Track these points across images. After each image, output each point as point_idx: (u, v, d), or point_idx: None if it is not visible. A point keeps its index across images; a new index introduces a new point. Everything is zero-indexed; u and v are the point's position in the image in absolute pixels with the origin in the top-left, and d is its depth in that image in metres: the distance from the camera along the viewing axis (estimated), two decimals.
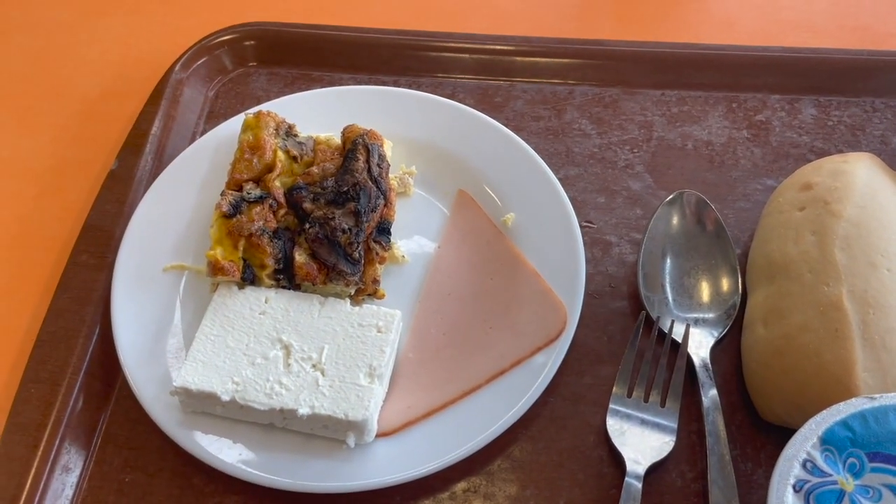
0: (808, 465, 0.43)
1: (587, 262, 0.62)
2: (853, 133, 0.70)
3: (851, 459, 0.43)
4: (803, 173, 0.60)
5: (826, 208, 0.56)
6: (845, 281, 0.52)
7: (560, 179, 0.64)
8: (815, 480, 0.43)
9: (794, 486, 0.43)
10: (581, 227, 0.63)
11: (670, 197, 0.62)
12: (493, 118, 0.68)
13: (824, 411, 0.45)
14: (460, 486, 0.53)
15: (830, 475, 0.43)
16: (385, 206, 0.61)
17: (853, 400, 0.45)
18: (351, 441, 0.51)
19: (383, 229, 0.60)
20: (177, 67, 0.73)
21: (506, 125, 0.68)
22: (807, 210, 0.57)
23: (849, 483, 0.43)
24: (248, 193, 0.59)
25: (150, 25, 0.81)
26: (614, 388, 0.56)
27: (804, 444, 0.44)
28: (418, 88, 0.73)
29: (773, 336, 0.53)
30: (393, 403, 0.55)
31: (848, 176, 0.57)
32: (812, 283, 0.53)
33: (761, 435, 0.54)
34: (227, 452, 0.52)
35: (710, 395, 0.55)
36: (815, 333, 0.51)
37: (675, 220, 0.61)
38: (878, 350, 0.50)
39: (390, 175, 0.64)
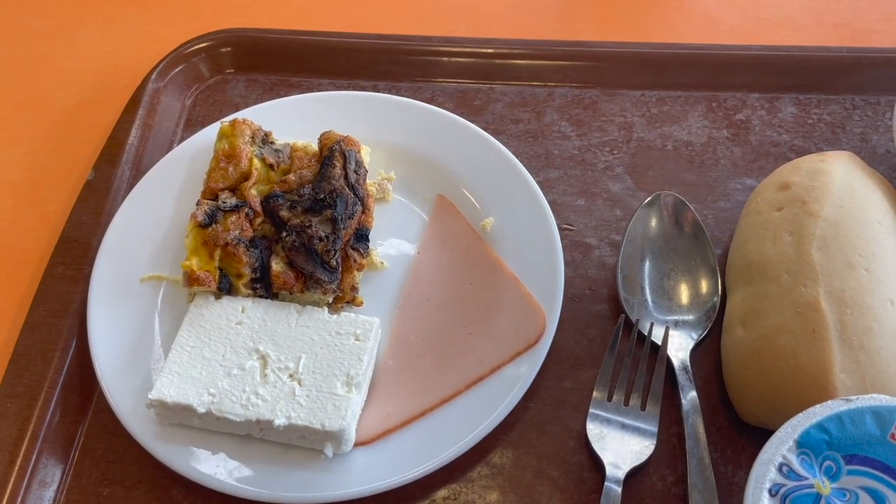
0: (784, 469, 0.43)
1: (567, 264, 0.62)
2: (833, 131, 0.70)
3: (828, 462, 0.43)
4: (781, 173, 0.60)
5: (803, 208, 0.55)
6: (822, 281, 0.52)
7: (540, 182, 0.64)
8: (792, 484, 0.43)
9: (769, 491, 0.42)
10: (561, 229, 0.63)
11: (648, 199, 0.62)
12: (473, 122, 0.68)
13: (800, 414, 0.45)
14: (440, 493, 0.53)
15: (807, 479, 0.43)
16: (363, 212, 0.60)
17: (829, 402, 0.45)
18: (329, 451, 0.51)
19: (361, 236, 0.60)
20: (153, 76, 0.73)
21: (485, 128, 0.68)
22: (784, 210, 0.56)
23: (825, 486, 0.43)
24: (224, 202, 0.58)
25: (128, 34, 0.81)
26: (594, 393, 0.55)
27: (780, 447, 0.44)
28: (397, 93, 0.72)
29: (752, 337, 0.53)
30: (372, 411, 0.54)
31: (826, 175, 0.57)
32: (789, 284, 0.53)
33: (742, 437, 0.54)
34: (204, 464, 0.51)
35: (689, 397, 0.54)
36: (792, 335, 0.51)
37: (653, 223, 0.61)
38: (855, 350, 0.50)
39: (369, 181, 0.64)
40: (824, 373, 0.49)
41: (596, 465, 0.53)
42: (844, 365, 0.49)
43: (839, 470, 0.43)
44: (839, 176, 0.57)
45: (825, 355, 0.49)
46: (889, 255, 0.54)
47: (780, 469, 0.43)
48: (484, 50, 0.75)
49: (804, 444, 0.44)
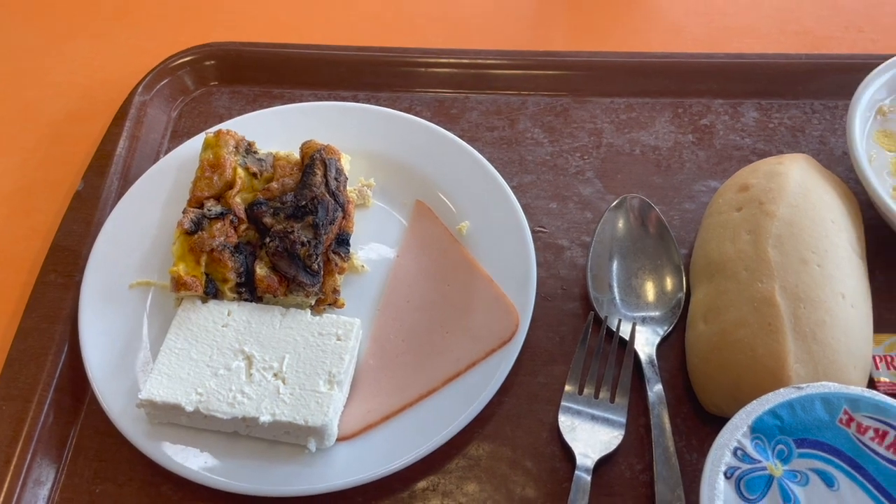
0: (739, 453, 0.46)
1: (540, 265, 0.65)
2: (793, 134, 0.73)
3: (780, 446, 0.46)
4: (741, 175, 0.63)
5: (761, 208, 0.58)
6: (777, 277, 0.55)
7: (514, 187, 0.67)
8: (746, 467, 0.45)
9: (725, 473, 0.45)
10: (534, 232, 0.66)
11: (615, 202, 0.65)
12: (449, 130, 0.70)
13: (754, 402, 0.48)
14: (420, 485, 0.56)
15: (760, 462, 0.46)
16: (343, 218, 0.63)
17: (781, 390, 0.48)
18: (312, 446, 0.53)
19: (342, 241, 0.63)
20: (140, 89, 0.75)
21: (461, 136, 0.71)
22: (743, 210, 0.60)
23: (777, 468, 0.45)
24: (209, 210, 0.61)
25: (115, 48, 0.83)
26: (566, 386, 0.58)
27: (735, 433, 0.46)
28: (376, 103, 0.75)
29: (712, 332, 0.56)
30: (353, 408, 0.57)
31: (782, 177, 0.60)
32: (747, 280, 0.56)
33: (706, 427, 0.57)
34: (193, 461, 0.54)
35: (655, 389, 0.57)
36: (749, 328, 0.54)
37: (620, 224, 0.64)
38: (808, 342, 0.53)
39: (349, 188, 0.66)
40: (779, 364, 0.52)
41: (567, 455, 0.56)
42: (798, 356, 0.52)
43: (790, 453, 0.46)
44: (795, 177, 0.60)
45: (780, 347, 0.52)
46: (841, 252, 0.57)
47: (734, 453, 0.46)
48: (460, 60, 0.78)
49: (758, 430, 0.47)
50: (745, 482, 0.45)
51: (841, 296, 0.54)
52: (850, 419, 0.47)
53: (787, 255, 0.56)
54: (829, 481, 0.45)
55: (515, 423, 0.58)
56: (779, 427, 0.46)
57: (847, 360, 0.53)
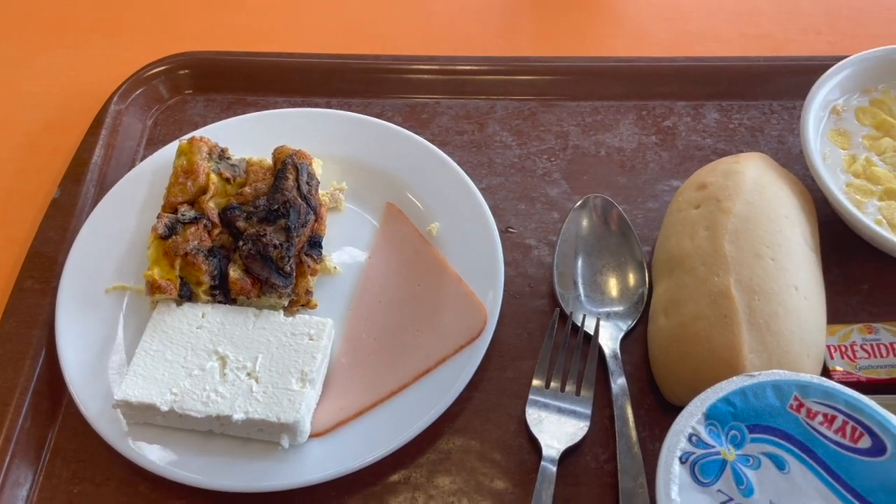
0: (693, 439, 0.48)
1: (508, 264, 0.66)
2: (753, 134, 0.75)
3: (733, 432, 0.48)
4: (700, 174, 0.65)
5: (718, 205, 0.61)
6: (733, 271, 0.57)
7: (483, 189, 0.69)
8: (700, 452, 0.47)
9: (680, 459, 0.47)
10: (503, 232, 0.68)
11: (580, 202, 0.67)
12: (420, 134, 0.72)
13: (708, 390, 0.50)
14: (392, 478, 0.57)
15: (714, 447, 0.48)
16: (315, 221, 0.65)
17: (734, 378, 0.50)
18: (285, 442, 0.55)
19: (315, 243, 0.64)
20: (115, 98, 0.76)
21: (431, 140, 0.72)
22: (702, 208, 0.62)
23: (731, 453, 0.47)
24: (183, 215, 0.62)
25: (90, 59, 0.84)
26: (533, 380, 0.60)
27: (690, 419, 0.48)
28: (349, 109, 0.77)
29: (672, 325, 0.58)
30: (326, 405, 0.58)
31: (738, 175, 0.63)
32: (704, 275, 0.58)
33: (667, 417, 0.59)
34: (169, 460, 0.55)
35: (619, 382, 0.59)
36: (706, 320, 0.56)
37: (584, 223, 0.66)
38: (762, 333, 0.55)
39: (322, 191, 0.68)
40: (734, 354, 0.54)
41: (535, 447, 0.58)
42: (752, 346, 0.54)
43: (743, 438, 0.48)
44: (751, 175, 0.62)
45: (735, 338, 0.54)
46: (794, 246, 0.59)
47: (689, 439, 0.48)
48: (430, 67, 0.80)
49: (712, 416, 0.48)
50: (700, 466, 0.47)
51: (794, 288, 0.57)
52: (801, 405, 0.49)
53: (743, 249, 0.58)
54: (780, 464, 0.47)
55: (484, 416, 0.60)
56: (732, 413, 0.48)
57: (800, 349, 0.55)
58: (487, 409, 0.60)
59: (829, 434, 0.47)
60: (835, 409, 0.48)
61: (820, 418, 0.48)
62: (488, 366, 0.62)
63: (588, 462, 0.57)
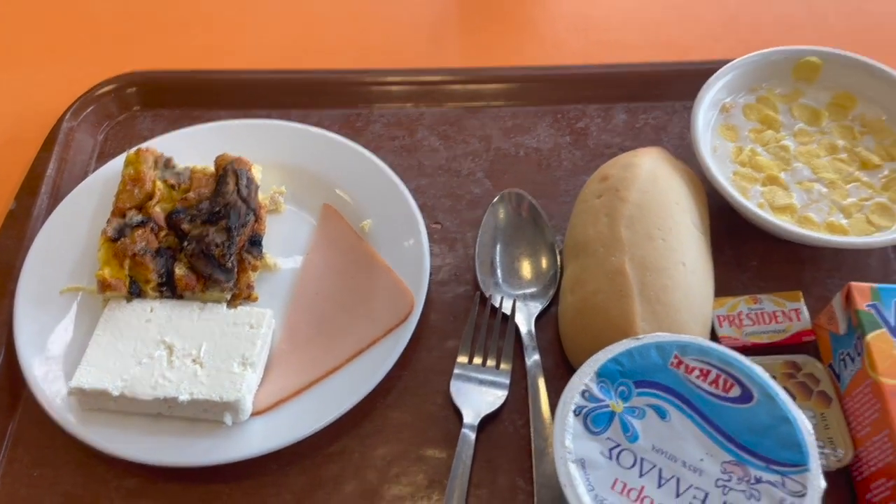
0: (586, 395, 0.54)
1: (436, 256, 0.73)
2: (657, 132, 0.83)
3: (621, 387, 0.55)
4: (603, 168, 0.72)
5: (616, 195, 0.68)
6: (628, 251, 0.64)
7: (413, 189, 0.75)
8: (592, 405, 0.54)
9: (574, 411, 0.54)
10: (430, 227, 0.74)
11: (497, 196, 0.73)
12: (354, 141, 0.78)
13: (600, 352, 0.56)
14: (329, 450, 0.62)
15: (604, 401, 0.54)
16: (255, 221, 0.70)
17: (623, 341, 0.56)
18: (228, 420, 0.60)
19: (255, 242, 0.70)
20: (67, 116, 0.82)
21: (365, 146, 0.78)
22: (603, 197, 0.69)
23: (619, 406, 0.54)
24: (131, 219, 0.68)
25: (44, 79, 0.90)
26: (458, 358, 0.66)
27: (583, 378, 0.55)
28: (288, 119, 0.83)
29: (576, 300, 0.65)
30: (267, 387, 0.64)
31: (635, 168, 0.70)
32: (603, 256, 0.64)
33: None
34: (122, 441, 0.60)
35: (532, 358, 0.66)
36: (605, 295, 0.63)
37: (501, 215, 0.73)
38: (653, 304, 0.62)
39: (262, 195, 0.74)
40: (629, 323, 0.61)
41: (459, 417, 0.64)
42: (644, 315, 0.61)
43: (630, 392, 0.54)
44: (646, 167, 0.70)
45: (629, 309, 0.61)
46: (683, 229, 0.66)
47: (582, 394, 0.54)
48: (363, 79, 0.86)
49: (602, 375, 0.55)
50: (591, 418, 0.53)
51: (682, 264, 0.64)
52: (680, 362, 0.55)
53: (637, 232, 0.65)
54: (662, 414, 0.53)
55: (414, 392, 0.66)
56: (620, 371, 0.55)
57: (687, 317, 0.62)
58: (417, 385, 0.66)
59: (704, 386, 0.54)
60: (709, 364, 0.55)
61: (696, 373, 0.55)
62: (418, 347, 0.68)
63: (507, 427, 0.64)
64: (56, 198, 0.76)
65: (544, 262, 0.71)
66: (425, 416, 0.65)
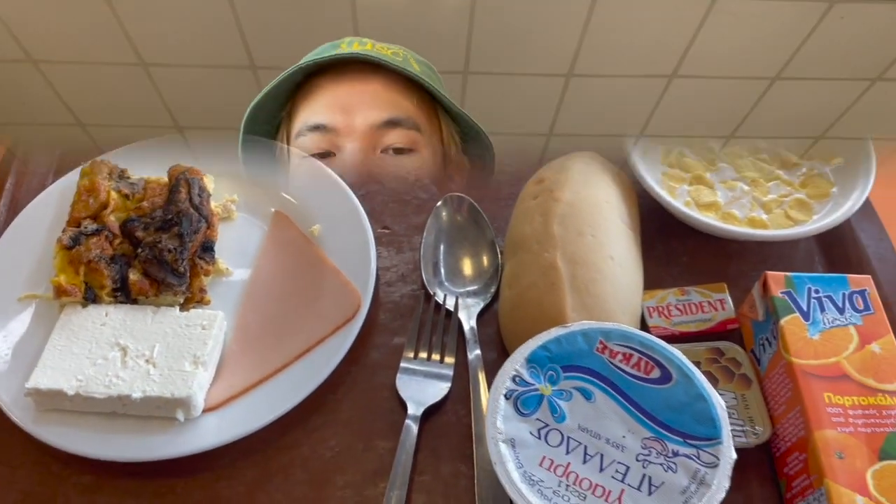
0: (517, 379, 0.58)
1: (384, 258, 0.76)
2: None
3: (550, 372, 0.58)
4: (540, 171, 0.77)
5: (550, 195, 0.72)
6: (560, 247, 0.68)
7: (362, 195, 0.79)
8: (522, 389, 0.57)
9: (505, 395, 0.57)
10: (379, 231, 0.78)
11: (441, 200, 0.77)
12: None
13: (530, 340, 0.60)
14: (280, 443, 0.65)
15: (533, 385, 0.58)
16: (208, 228, 0.73)
17: (552, 329, 0.60)
18: (181, 416, 0.63)
19: (207, 247, 0.73)
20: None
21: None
22: (539, 198, 0.73)
23: (547, 389, 0.58)
24: (86, 228, 0.70)
25: None
26: (404, 353, 0.69)
27: (514, 364, 0.58)
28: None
29: (513, 294, 0.68)
30: (219, 385, 0.66)
31: (568, 171, 0.74)
32: (537, 252, 0.68)
33: None
34: (78, 439, 0.62)
35: (475, 352, 0.69)
36: (538, 289, 0.66)
37: (444, 217, 0.77)
38: (583, 295, 0.66)
39: (214, 203, 0.77)
40: (560, 313, 0.65)
41: (405, 409, 0.67)
42: (574, 306, 0.65)
43: (558, 377, 0.58)
44: (578, 169, 0.74)
45: (560, 301, 0.65)
46: (611, 225, 0.70)
47: (513, 380, 0.58)
48: None
49: (532, 361, 0.59)
50: (521, 401, 0.57)
51: (610, 258, 0.68)
52: (605, 347, 0.59)
53: (568, 229, 0.69)
54: (587, 395, 0.57)
55: (363, 387, 0.69)
56: (548, 357, 0.59)
57: (615, 307, 0.66)
58: (365, 380, 0.69)
59: (627, 369, 0.58)
60: (631, 348, 0.59)
61: (620, 357, 0.59)
62: (366, 344, 0.71)
63: (450, 418, 0.67)
64: (14, 210, 0.79)
65: (485, 262, 0.75)
66: (372, 409, 0.68)
